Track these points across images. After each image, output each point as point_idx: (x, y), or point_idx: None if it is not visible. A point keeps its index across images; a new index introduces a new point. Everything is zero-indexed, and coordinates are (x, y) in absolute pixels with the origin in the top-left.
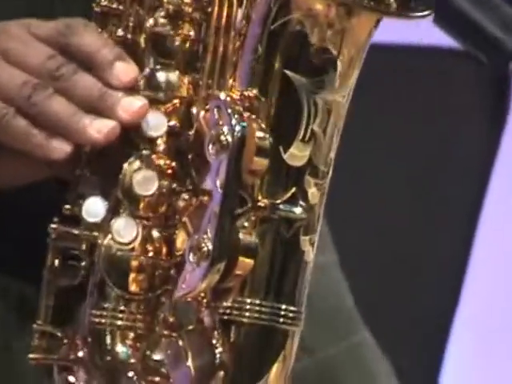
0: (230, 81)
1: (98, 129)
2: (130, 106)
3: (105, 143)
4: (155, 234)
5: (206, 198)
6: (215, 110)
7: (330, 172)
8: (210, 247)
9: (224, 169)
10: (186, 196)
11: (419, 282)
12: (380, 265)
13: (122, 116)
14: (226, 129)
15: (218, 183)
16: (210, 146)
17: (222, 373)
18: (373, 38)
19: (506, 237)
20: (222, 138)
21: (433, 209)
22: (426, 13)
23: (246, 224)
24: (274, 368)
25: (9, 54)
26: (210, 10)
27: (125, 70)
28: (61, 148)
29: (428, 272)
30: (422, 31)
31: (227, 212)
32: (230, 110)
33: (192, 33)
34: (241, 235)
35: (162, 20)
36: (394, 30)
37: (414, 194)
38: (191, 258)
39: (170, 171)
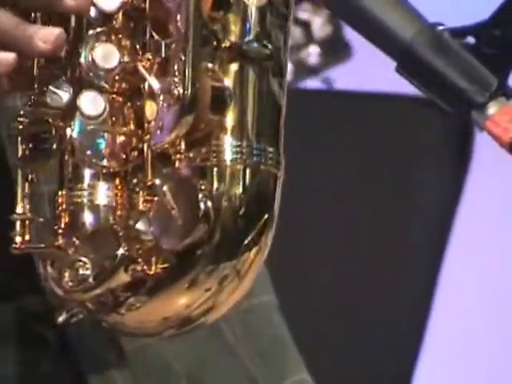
0: None
1: (45, 38)
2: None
3: (53, 52)
4: (123, 106)
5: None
6: None
7: (292, 15)
8: (181, 90)
9: (184, 9)
10: (149, 56)
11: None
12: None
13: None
14: None
15: (180, 24)
16: None
17: (205, 225)
18: (342, 85)
19: (468, 280)
20: None
21: (396, 252)
22: None
23: (214, 67)
24: (261, 224)
25: None
26: None
27: None
28: (6, 60)
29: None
30: (390, 80)
31: (193, 50)
32: None
33: None
34: (211, 81)
35: None
36: (362, 79)
37: (376, 236)
38: (163, 102)
39: (128, 44)
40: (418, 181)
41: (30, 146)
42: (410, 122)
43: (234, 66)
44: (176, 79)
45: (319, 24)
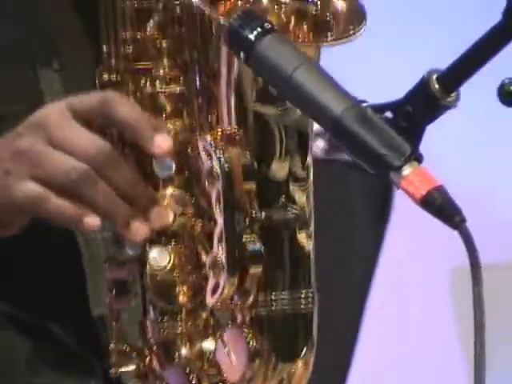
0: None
1: (134, 233)
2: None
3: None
4: (185, 254)
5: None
6: (203, 150)
7: (311, 173)
8: (224, 261)
9: (221, 197)
10: (200, 223)
11: None
12: None
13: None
14: (214, 163)
15: (220, 209)
16: (206, 180)
17: (255, 362)
18: None
19: (386, 332)
20: (213, 171)
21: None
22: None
23: (250, 235)
24: (304, 351)
25: (54, 141)
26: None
27: (163, 141)
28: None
29: None
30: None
31: (231, 231)
32: (214, 149)
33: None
34: (247, 244)
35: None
36: None
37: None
38: (211, 273)
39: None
40: (346, 235)
41: (115, 289)
42: (345, 182)
43: (265, 230)
44: (219, 252)
45: None
